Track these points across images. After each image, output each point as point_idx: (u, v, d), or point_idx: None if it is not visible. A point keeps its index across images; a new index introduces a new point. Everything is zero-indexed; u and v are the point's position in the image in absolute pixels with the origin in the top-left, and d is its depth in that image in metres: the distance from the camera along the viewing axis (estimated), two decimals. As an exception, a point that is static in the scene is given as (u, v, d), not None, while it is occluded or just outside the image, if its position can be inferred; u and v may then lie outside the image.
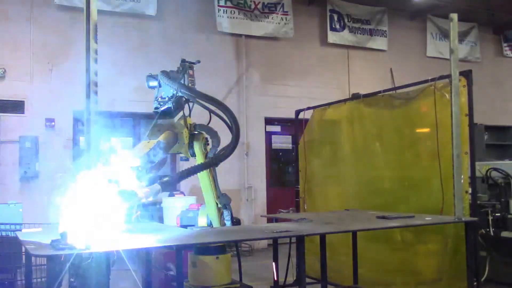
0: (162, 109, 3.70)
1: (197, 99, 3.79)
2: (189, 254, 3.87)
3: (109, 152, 3.00)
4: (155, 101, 3.81)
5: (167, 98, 3.76)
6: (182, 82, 3.80)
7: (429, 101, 5.03)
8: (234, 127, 3.66)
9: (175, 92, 3.74)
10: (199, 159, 3.91)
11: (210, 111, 3.88)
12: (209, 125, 3.98)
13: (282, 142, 11.91)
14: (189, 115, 3.92)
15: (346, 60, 12.45)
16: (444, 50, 13.15)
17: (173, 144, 3.64)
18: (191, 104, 3.96)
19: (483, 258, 5.62)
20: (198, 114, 4.03)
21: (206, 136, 3.92)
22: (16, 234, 3.79)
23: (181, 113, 3.84)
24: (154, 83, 3.81)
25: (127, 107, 9.85)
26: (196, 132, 3.88)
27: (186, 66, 3.88)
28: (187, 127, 3.77)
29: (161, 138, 3.52)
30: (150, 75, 3.83)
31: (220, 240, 3.51)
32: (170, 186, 3.33)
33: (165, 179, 3.27)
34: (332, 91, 11.33)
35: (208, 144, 3.94)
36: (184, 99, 3.89)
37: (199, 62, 4.06)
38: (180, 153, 3.84)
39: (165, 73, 3.74)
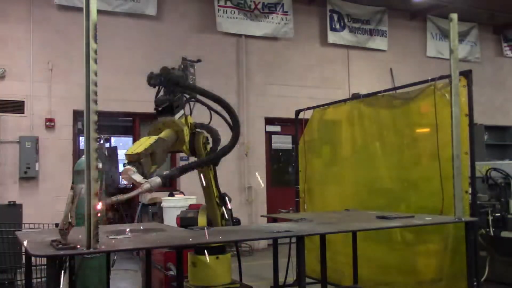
0: (163, 106, 3.70)
1: (199, 95, 3.79)
2: (189, 254, 3.87)
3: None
4: (156, 99, 3.81)
5: (168, 96, 3.76)
6: (184, 79, 3.80)
7: (429, 101, 5.03)
8: (234, 123, 3.64)
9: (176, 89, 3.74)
10: (199, 158, 3.91)
11: (210, 108, 3.87)
12: (210, 124, 3.99)
13: (282, 142, 11.91)
14: (190, 114, 3.93)
15: (346, 60, 12.45)
16: (444, 50, 13.15)
17: (173, 141, 3.64)
18: (192, 103, 3.96)
19: (483, 258, 5.61)
20: (199, 114, 4.03)
21: (207, 135, 3.92)
22: (16, 234, 3.78)
23: (182, 112, 3.84)
24: (155, 81, 3.80)
25: (127, 107, 9.86)
26: (196, 131, 3.88)
27: (188, 64, 3.88)
28: (188, 126, 3.77)
29: (162, 135, 3.52)
30: (151, 73, 3.83)
31: (220, 240, 3.51)
32: (171, 179, 3.32)
33: (166, 172, 3.27)
34: (332, 91, 11.33)
35: (208, 143, 3.94)
36: (185, 99, 3.89)
37: (200, 61, 4.06)
38: (181, 152, 3.84)
39: (166, 69, 3.74)
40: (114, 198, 2.98)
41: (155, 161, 3.25)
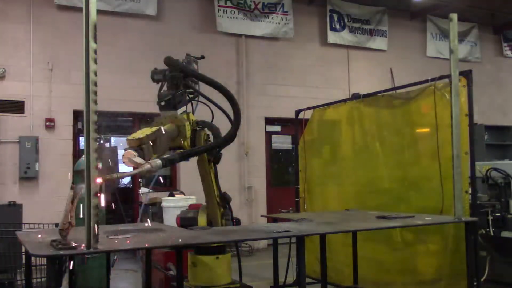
0: (165, 99, 3.73)
1: (199, 80, 3.81)
2: (189, 254, 3.87)
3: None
4: (159, 93, 3.84)
5: (171, 90, 3.79)
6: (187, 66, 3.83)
7: (429, 101, 5.03)
8: (235, 109, 3.63)
9: (179, 83, 3.77)
10: (200, 156, 3.92)
11: (211, 102, 3.88)
12: (210, 122, 4.00)
13: (282, 142, 11.91)
14: (192, 112, 3.94)
15: (346, 60, 12.45)
16: (444, 50, 13.15)
17: (174, 135, 3.65)
18: (195, 103, 3.99)
19: (483, 258, 5.61)
20: (201, 113, 4.05)
21: (208, 133, 3.93)
22: (16, 234, 3.78)
23: (184, 108, 3.86)
24: (159, 76, 3.83)
25: (127, 107, 9.85)
26: (198, 128, 3.89)
27: (191, 59, 3.90)
28: (189, 122, 3.79)
29: (164, 127, 3.56)
30: (155, 68, 3.85)
31: (220, 240, 3.50)
32: (172, 163, 3.32)
33: (167, 156, 3.28)
34: (332, 91, 11.33)
35: (209, 141, 3.94)
36: (188, 98, 3.90)
37: (203, 57, 4.08)
38: (182, 148, 3.85)
39: (170, 58, 3.78)
40: (114, 175, 2.96)
41: (156, 149, 3.27)
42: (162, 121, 3.66)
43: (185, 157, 3.48)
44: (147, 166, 3.07)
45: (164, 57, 3.76)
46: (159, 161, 3.14)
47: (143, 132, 3.28)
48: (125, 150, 3.15)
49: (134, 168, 3.11)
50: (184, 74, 3.77)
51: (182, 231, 3.72)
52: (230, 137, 3.67)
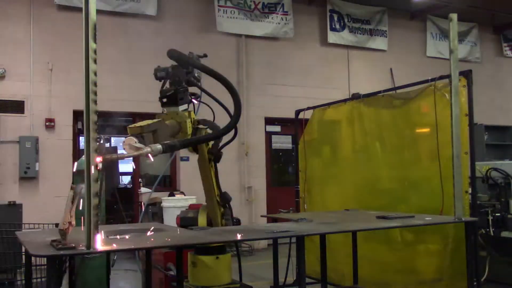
0: (167, 94, 3.74)
1: (201, 71, 3.84)
2: (189, 254, 3.87)
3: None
4: (161, 90, 3.86)
5: (173, 86, 3.81)
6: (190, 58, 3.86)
7: (429, 101, 5.03)
8: (235, 100, 3.66)
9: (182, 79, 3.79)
10: (201, 154, 3.93)
11: (211, 96, 3.90)
12: (211, 121, 4.01)
13: (282, 142, 11.91)
14: (194, 112, 3.95)
15: (346, 60, 12.45)
16: (444, 50, 13.15)
17: (175, 130, 3.66)
18: (196, 103, 4.00)
19: (483, 258, 5.61)
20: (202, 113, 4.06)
21: (209, 131, 3.93)
22: (16, 234, 3.78)
23: (185, 106, 3.88)
24: (162, 74, 3.85)
25: (127, 107, 9.85)
26: (199, 127, 3.90)
27: (195, 56, 3.92)
28: (191, 120, 3.80)
29: (165, 121, 3.58)
30: (158, 66, 3.87)
31: (220, 240, 3.51)
32: (171, 149, 3.34)
33: (167, 142, 3.30)
34: (332, 91, 11.32)
35: None
36: (190, 98, 3.91)
37: (206, 56, 4.10)
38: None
39: (176, 50, 3.80)
40: (114, 155, 2.98)
41: (157, 140, 3.28)
42: (164, 117, 3.68)
43: (185, 145, 3.50)
44: (147, 149, 3.10)
45: (168, 50, 3.78)
46: (159, 146, 3.18)
47: (145, 122, 3.32)
48: (125, 137, 3.18)
49: (134, 159, 3.14)
50: (186, 71, 3.80)
51: (182, 231, 3.72)
52: (232, 126, 3.68)
